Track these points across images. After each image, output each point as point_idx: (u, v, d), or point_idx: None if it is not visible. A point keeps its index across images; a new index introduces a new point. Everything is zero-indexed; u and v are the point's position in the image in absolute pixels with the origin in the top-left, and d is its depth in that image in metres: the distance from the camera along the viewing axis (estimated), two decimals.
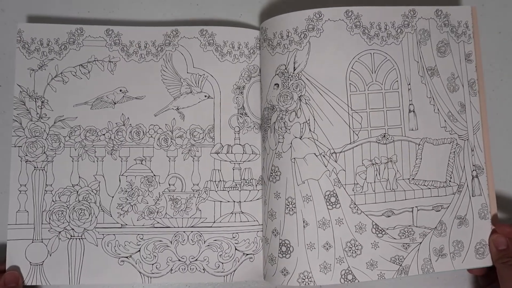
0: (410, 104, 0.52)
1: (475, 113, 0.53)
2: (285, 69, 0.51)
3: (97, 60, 0.54)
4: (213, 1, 0.59)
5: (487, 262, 0.51)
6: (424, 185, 0.51)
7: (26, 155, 0.53)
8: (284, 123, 0.51)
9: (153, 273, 0.52)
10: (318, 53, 0.51)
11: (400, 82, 0.52)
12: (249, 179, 0.54)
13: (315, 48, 0.51)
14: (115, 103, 0.54)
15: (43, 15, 0.58)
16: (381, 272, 0.50)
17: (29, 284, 0.51)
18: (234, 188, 0.54)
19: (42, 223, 0.52)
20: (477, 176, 0.52)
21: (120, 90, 0.54)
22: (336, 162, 0.50)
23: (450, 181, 0.52)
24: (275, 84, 0.51)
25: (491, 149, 0.53)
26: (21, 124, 0.53)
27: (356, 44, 0.51)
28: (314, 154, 0.50)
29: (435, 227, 0.51)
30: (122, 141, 0.54)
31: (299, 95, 0.51)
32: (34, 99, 0.54)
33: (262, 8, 0.59)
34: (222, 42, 0.55)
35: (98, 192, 0.53)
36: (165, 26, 0.56)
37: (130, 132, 0.54)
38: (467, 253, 0.51)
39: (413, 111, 0.52)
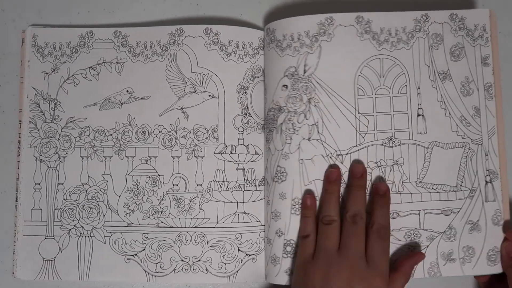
0: (419, 108, 0.51)
1: (490, 117, 0.51)
2: (295, 71, 0.51)
3: (105, 62, 0.56)
4: (213, 0, 0.59)
5: (497, 269, 0.50)
6: (432, 188, 0.50)
7: (41, 155, 0.55)
8: (292, 124, 0.51)
9: (157, 272, 0.53)
10: (328, 57, 0.51)
11: (409, 87, 0.51)
12: (252, 180, 0.53)
13: (326, 52, 0.51)
14: (122, 104, 0.55)
15: (43, 15, 0.58)
16: None
17: (41, 279, 0.53)
18: (238, 189, 0.54)
19: (54, 220, 0.54)
20: (490, 182, 0.50)
21: (127, 91, 0.55)
22: (342, 163, 0.50)
23: (461, 185, 0.50)
24: (284, 86, 0.51)
25: (506, 153, 0.51)
26: (36, 125, 0.55)
27: (365, 49, 0.51)
28: (322, 155, 0.51)
29: (444, 231, 0.50)
30: (128, 141, 0.55)
31: (308, 98, 0.51)
32: (48, 101, 0.56)
33: (262, 8, 0.58)
34: (227, 41, 0.55)
35: (106, 191, 0.54)
36: (166, 25, 0.55)
37: (136, 132, 0.55)
38: (478, 260, 0.50)
39: (422, 115, 0.51)
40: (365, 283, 0.44)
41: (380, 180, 0.50)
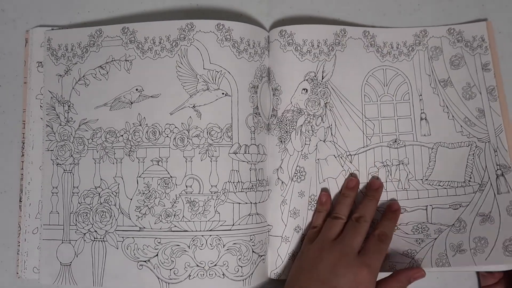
0: (421, 113, 0.54)
1: (496, 116, 0.54)
2: (315, 76, 0.54)
3: (114, 60, 0.54)
4: (213, 1, 0.57)
5: None
6: (439, 185, 0.53)
7: (57, 159, 0.54)
8: (311, 126, 0.54)
9: (171, 279, 0.50)
10: (341, 66, 0.55)
11: (411, 94, 0.55)
12: (261, 180, 0.51)
13: (339, 61, 0.55)
14: (131, 103, 0.53)
15: (43, 15, 0.58)
16: (392, 263, 0.52)
17: (59, 284, 0.52)
18: (251, 189, 0.51)
19: (70, 225, 0.53)
20: (502, 175, 0.52)
21: (136, 89, 0.53)
22: (351, 163, 0.54)
23: (469, 181, 0.52)
24: (304, 89, 0.54)
25: None
26: (52, 128, 0.55)
27: (370, 60, 0.55)
28: (334, 155, 0.54)
29: (453, 224, 0.52)
30: (139, 141, 0.52)
31: (325, 102, 0.54)
32: (62, 104, 0.55)
33: (261, 8, 0.58)
34: (239, 38, 0.52)
35: (117, 194, 0.52)
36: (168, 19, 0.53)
37: (147, 132, 0.52)
38: (492, 250, 0.50)
39: (425, 119, 0.54)
40: (351, 270, 0.45)
41: (393, 199, 0.53)
